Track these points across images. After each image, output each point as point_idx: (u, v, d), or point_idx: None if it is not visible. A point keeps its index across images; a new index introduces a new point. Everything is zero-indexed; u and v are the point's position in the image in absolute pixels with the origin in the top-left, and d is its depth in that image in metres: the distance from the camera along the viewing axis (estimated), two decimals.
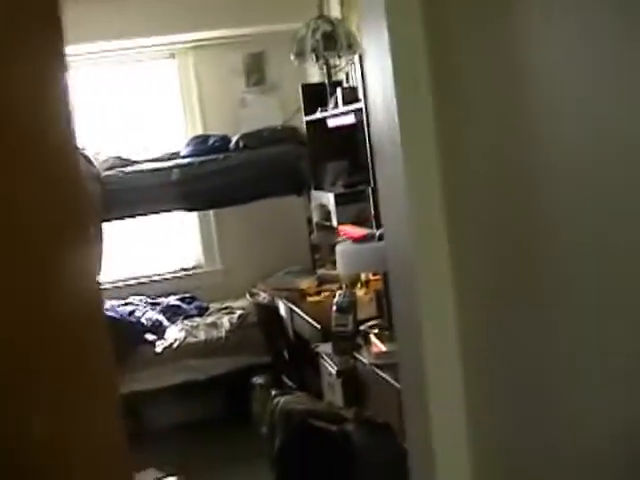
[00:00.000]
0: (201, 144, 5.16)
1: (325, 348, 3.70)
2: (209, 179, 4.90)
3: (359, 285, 4.13)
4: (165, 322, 5.12)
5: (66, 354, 0.72)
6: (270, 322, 4.94)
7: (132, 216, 4.96)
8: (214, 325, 5.06)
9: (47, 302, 0.71)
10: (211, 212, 5.62)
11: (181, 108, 5.71)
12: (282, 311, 4.80)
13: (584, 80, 1.23)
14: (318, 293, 4.60)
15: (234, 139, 5.11)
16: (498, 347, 1.61)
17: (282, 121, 5.43)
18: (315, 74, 5.24)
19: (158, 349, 4.86)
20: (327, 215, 4.48)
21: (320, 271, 4.92)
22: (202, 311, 5.35)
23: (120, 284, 5.52)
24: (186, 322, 5.14)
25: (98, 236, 4.47)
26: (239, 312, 5.13)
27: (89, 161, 4.69)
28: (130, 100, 5.60)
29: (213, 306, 5.41)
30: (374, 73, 1.81)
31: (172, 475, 3.48)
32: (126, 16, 4.96)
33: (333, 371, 3.55)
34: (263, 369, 4.78)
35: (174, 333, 4.99)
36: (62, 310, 0.72)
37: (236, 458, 4.28)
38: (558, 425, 1.43)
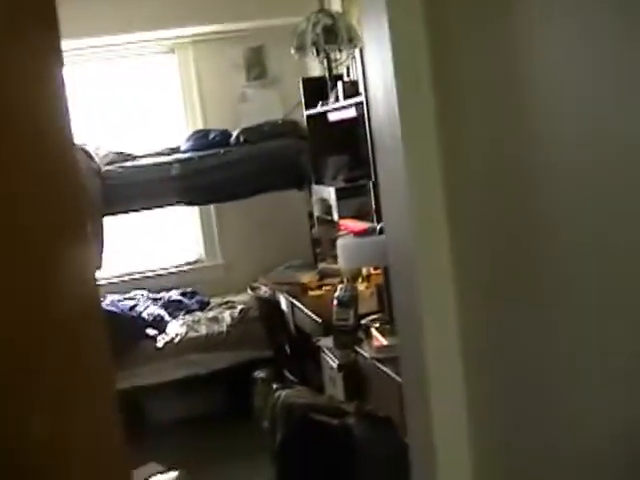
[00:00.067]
0: (201, 139, 5.16)
1: (326, 342, 3.70)
2: (209, 174, 4.89)
3: (360, 279, 4.13)
4: (166, 317, 5.12)
5: (63, 353, 0.72)
6: (271, 316, 4.95)
7: (133, 211, 4.96)
8: (215, 320, 5.06)
9: (44, 301, 0.71)
10: (212, 207, 5.62)
11: (181, 103, 5.70)
12: (283, 305, 4.81)
13: (584, 80, 1.23)
14: (319, 287, 4.60)
15: (234, 134, 5.11)
16: (498, 341, 1.61)
17: (283, 115, 5.42)
18: (316, 68, 5.23)
19: (159, 344, 4.87)
20: (328, 209, 4.48)
21: (321, 265, 4.92)
22: (203, 306, 5.35)
23: (121, 279, 5.53)
24: (187, 317, 5.15)
25: (99, 231, 4.47)
26: (240, 306, 5.14)
27: (89, 156, 4.69)
28: (130, 95, 5.59)
29: (214, 301, 5.42)
30: (375, 67, 1.80)
31: (173, 469, 3.48)
32: (126, 11, 4.95)
33: (334, 365, 3.55)
34: (264, 363, 4.78)
35: (175, 328, 5.00)
36: (59, 309, 0.71)
37: (237, 452, 4.29)
38: (558, 424, 1.43)
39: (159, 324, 5.01)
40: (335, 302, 3.58)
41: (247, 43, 5.63)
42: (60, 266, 0.71)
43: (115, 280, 5.47)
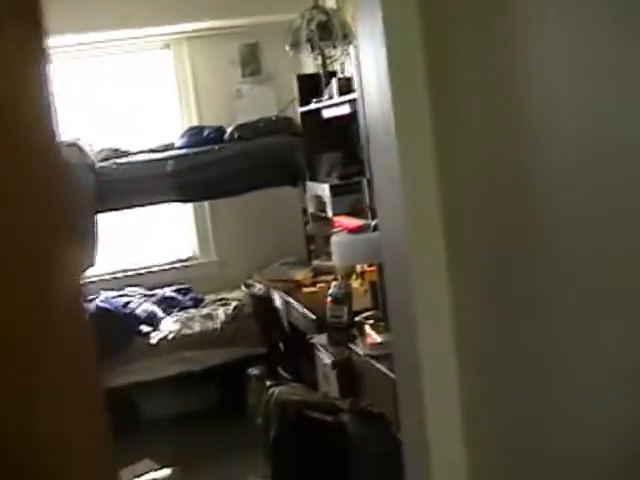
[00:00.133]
0: (196, 135, 5.15)
1: (320, 339, 3.70)
2: (204, 170, 4.88)
3: (354, 276, 4.13)
4: (160, 313, 5.11)
5: (49, 353, 0.71)
6: (265, 313, 4.94)
7: (127, 207, 4.95)
8: (209, 316, 5.06)
9: (31, 301, 0.70)
10: (206, 203, 5.61)
11: (176, 99, 5.69)
12: (277, 302, 4.80)
13: (579, 79, 1.22)
14: (313, 284, 4.60)
15: (229, 130, 5.10)
16: (493, 339, 1.61)
17: (277, 112, 5.42)
18: (310, 64, 5.22)
19: (153, 340, 4.86)
20: (322, 206, 4.48)
21: (315, 262, 4.92)
22: (197, 302, 5.35)
23: (115, 275, 5.52)
24: (181, 313, 5.14)
25: (92, 228, 4.46)
26: (234, 303, 5.13)
27: (83, 152, 4.67)
28: (125, 91, 5.58)
29: (208, 297, 5.41)
30: (369, 64, 1.80)
31: (167, 466, 3.48)
32: (122, 6, 4.94)
33: (328, 362, 3.55)
34: (258, 360, 4.78)
35: (169, 325, 4.99)
36: (44, 309, 0.71)
37: (231, 449, 4.29)
38: (554, 423, 1.43)
39: (153, 321, 5.01)
40: (329, 299, 3.58)
41: (242, 39, 5.62)
42: (44, 266, 0.70)
43: (109, 277, 5.46)
